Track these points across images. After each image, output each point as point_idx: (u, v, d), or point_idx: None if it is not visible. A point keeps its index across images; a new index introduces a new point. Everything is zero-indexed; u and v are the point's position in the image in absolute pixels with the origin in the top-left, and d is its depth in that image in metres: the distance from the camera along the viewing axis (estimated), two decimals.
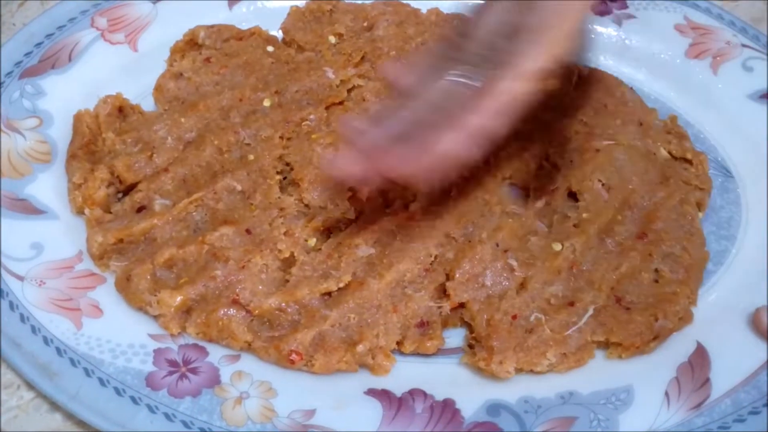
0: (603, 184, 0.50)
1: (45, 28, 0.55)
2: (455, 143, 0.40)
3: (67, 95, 0.53)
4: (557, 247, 0.47)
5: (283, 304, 0.44)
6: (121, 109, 0.52)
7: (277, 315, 0.44)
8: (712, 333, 0.45)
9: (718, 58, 0.57)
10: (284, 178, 0.49)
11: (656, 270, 0.47)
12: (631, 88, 0.56)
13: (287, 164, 0.50)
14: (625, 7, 0.60)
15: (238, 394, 0.41)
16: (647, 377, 0.43)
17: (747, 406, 0.42)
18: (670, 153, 0.53)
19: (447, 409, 0.42)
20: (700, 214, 0.51)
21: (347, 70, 0.54)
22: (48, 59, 0.54)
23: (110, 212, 0.48)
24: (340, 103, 0.53)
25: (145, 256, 0.45)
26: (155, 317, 0.44)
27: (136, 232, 0.46)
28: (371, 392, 0.42)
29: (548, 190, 0.49)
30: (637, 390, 0.43)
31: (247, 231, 0.46)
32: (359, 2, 0.60)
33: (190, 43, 0.56)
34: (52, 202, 0.48)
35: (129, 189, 0.49)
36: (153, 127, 0.50)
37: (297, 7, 0.59)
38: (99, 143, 0.50)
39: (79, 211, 0.48)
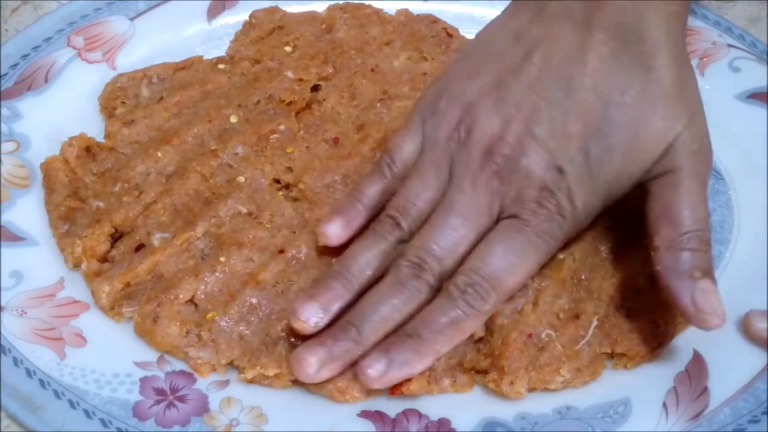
0: None
1: (20, 49, 0.54)
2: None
3: (45, 117, 0.52)
4: (560, 254, 0.46)
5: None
6: (89, 149, 0.50)
7: None
8: (708, 340, 0.45)
9: (704, 59, 0.57)
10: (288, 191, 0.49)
11: (651, 276, 0.46)
12: None
13: (278, 181, 0.49)
14: None
15: (227, 422, 0.40)
16: (644, 389, 0.43)
17: (746, 415, 0.41)
18: None
19: (442, 428, 0.41)
20: None
21: (309, 70, 0.54)
22: (24, 81, 0.52)
23: (105, 261, 0.46)
24: (308, 107, 0.53)
25: (157, 293, 0.43)
26: (185, 359, 0.42)
27: (142, 272, 0.44)
28: (364, 414, 0.41)
29: None
30: (634, 402, 0.42)
31: (281, 251, 0.45)
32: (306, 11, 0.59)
33: (119, 92, 0.53)
34: (32, 228, 0.47)
35: (119, 233, 0.47)
36: (129, 164, 0.49)
37: (240, 30, 0.58)
38: (81, 191, 0.48)
39: (76, 265, 0.46)
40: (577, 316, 0.44)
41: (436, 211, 0.42)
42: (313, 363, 0.40)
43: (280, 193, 0.48)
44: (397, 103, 0.53)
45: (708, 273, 0.40)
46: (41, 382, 0.41)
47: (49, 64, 0.53)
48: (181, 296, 0.43)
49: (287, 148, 0.50)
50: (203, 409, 0.41)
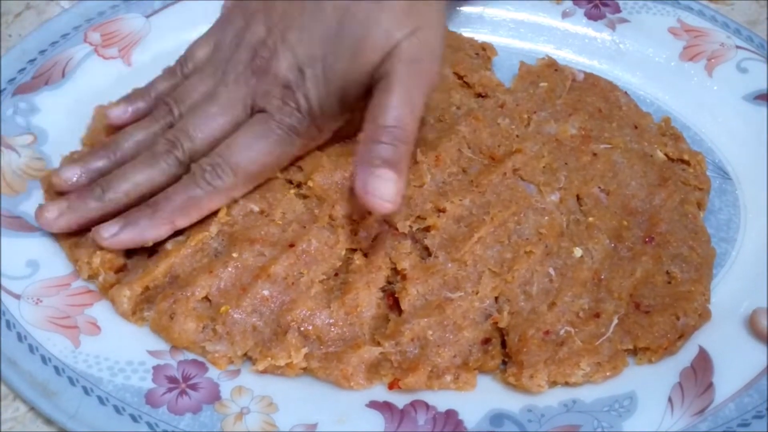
0: (602, 189, 0.50)
1: (38, 45, 0.55)
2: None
3: (61, 111, 0.52)
4: (578, 252, 0.47)
5: (332, 320, 0.43)
6: None
7: (327, 330, 0.43)
8: (713, 336, 0.45)
9: (712, 60, 0.57)
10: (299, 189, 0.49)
11: (667, 272, 0.47)
12: (625, 92, 0.56)
13: (290, 181, 0.49)
14: (618, 10, 0.60)
15: (238, 410, 0.41)
16: (650, 383, 0.43)
17: (751, 410, 0.42)
18: (666, 155, 0.53)
19: (450, 420, 0.42)
20: (701, 213, 0.51)
21: None
22: (41, 76, 0.53)
23: (120, 271, 0.46)
24: None
25: (173, 291, 0.44)
26: (202, 354, 0.43)
27: (159, 274, 0.45)
28: (373, 405, 0.42)
29: (555, 186, 0.50)
30: (640, 396, 0.43)
31: (291, 245, 0.45)
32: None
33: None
34: None
35: None
36: None
37: None
38: None
39: (92, 276, 0.46)
40: (597, 315, 0.45)
41: (202, 101, 0.47)
42: (52, 210, 0.45)
43: (292, 191, 0.49)
44: None
45: (392, 164, 0.42)
46: (56, 369, 0.41)
47: (66, 60, 0.54)
48: (197, 293, 0.44)
49: None
50: (215, 397, 0.42)
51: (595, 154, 0.51)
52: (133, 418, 0.40)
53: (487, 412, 0.42)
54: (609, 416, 0.42)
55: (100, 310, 0.44)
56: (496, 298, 0.45)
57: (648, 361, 0.44)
